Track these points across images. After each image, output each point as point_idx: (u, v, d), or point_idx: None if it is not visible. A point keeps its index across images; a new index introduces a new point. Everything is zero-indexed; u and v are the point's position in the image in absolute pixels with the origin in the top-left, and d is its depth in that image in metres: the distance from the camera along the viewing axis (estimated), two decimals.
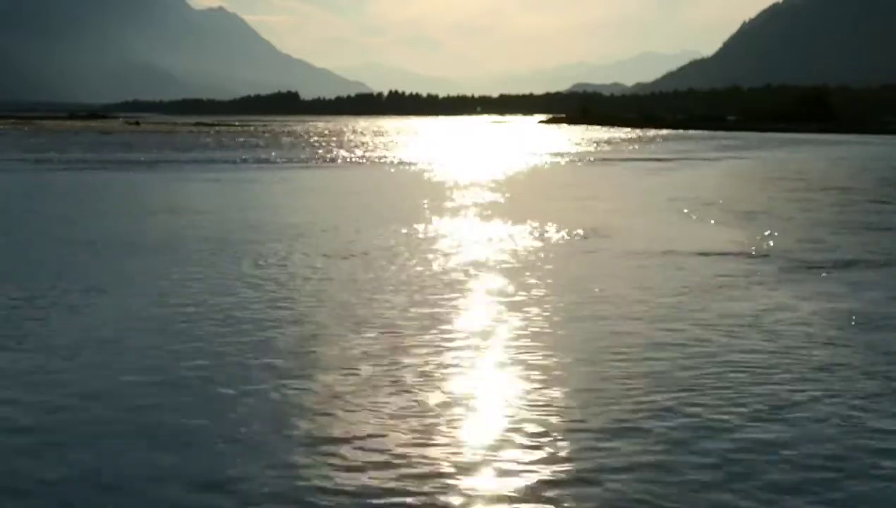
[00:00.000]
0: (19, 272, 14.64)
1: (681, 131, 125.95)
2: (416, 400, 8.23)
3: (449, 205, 26.54)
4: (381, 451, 7.01)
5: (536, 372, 9.12)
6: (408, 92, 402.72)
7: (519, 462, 6.83)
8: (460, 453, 7.01)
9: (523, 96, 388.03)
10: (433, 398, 8.32)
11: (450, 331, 10.81)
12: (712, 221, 22.53)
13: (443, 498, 6.24)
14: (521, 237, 19.27)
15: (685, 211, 24.83)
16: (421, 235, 19.51)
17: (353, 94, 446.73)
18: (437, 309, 11.98)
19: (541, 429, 7.50)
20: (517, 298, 12.75)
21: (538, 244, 18.24)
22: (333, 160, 53.50)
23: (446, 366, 9.34)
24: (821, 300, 12.74)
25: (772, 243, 18.35)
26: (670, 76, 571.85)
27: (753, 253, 17.06)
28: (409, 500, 6.21)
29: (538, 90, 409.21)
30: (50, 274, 14.48)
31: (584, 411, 7.95)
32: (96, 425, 7.59)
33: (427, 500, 6.21)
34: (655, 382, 8.78)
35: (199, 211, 24.30)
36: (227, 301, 12.43)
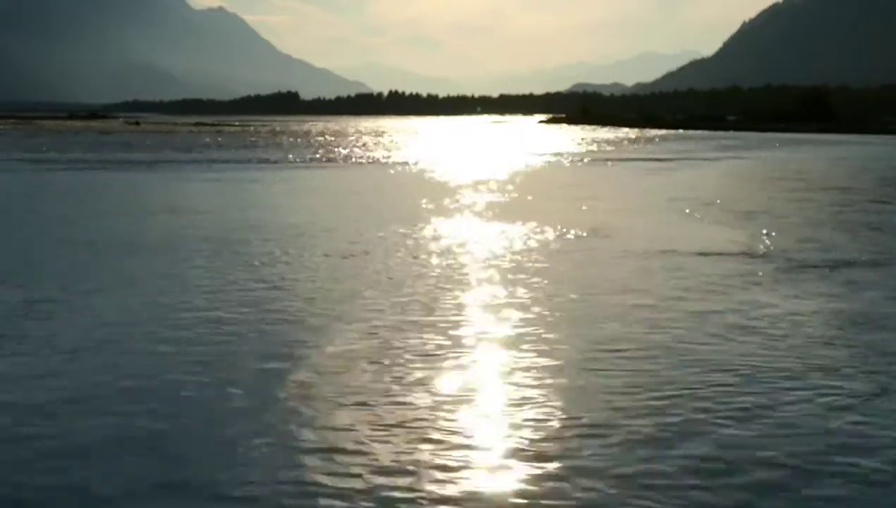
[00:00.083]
0: (19, 272, 14.65)
1: (681, 131, 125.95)
2: (415, 401, 8.24)
3: (449, 205, 26.55)
4: (381, 453, 7.01)
5: (535, 372, 9.13)
6: (408, 92, 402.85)
7: (514, 462, 6.84)
8: (458, 453, 7.01)
9: (523, 96, 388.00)
10: (433, 399, 8.32)
11: (450, 331, 10.81)
12: (712, 221, 22.54)
13: (439, 499, 6.24)
14: (521, 237, 19.28)
15: (685, 211, 24.84)
16: (421, 235, 19.52)
17: (353, 94, 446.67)
18: (436, 309, 11.99)
19: (539, 429, 7.50)
20: (517, 298, 12.75)
21: (538, 244, 18.25)
22: (333, 160, 53.51)
23: (446, 366, 9.35)
24: (820, 300, 12.75)
25: (771, 243, 18.36)
26: (670, 76, 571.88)
27: (753, 253, 17.07)
28: (405, 503, 6.21)
29: (538, 90, 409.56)
30: (50, 273, 14.49)
31: (582, 410, 7.95)
32: (92, 430, 7.53)
33: (425, 502, 6.22)
34: (654, 382, 8.79)
35: (199, 211, 24.31)
36: (228, 301, 12.44)
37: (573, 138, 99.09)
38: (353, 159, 54.59)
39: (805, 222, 22.38)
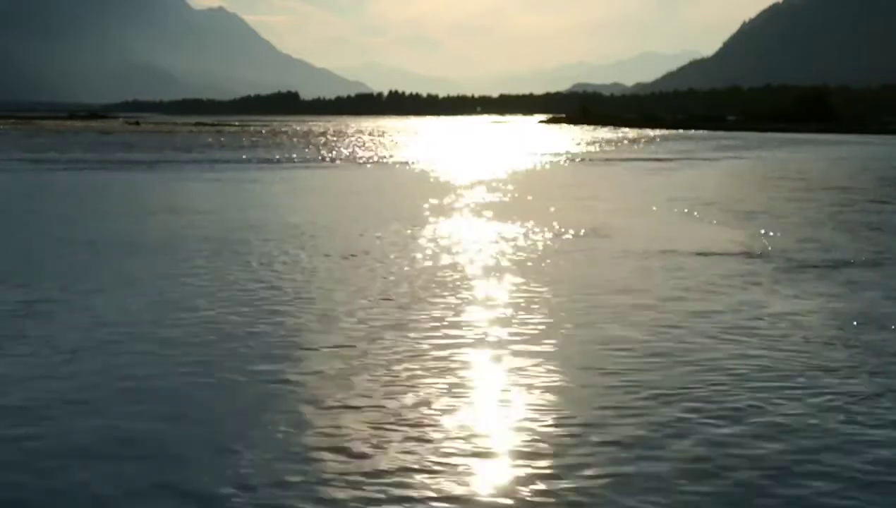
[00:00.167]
0: (19, 272, 14.64)
1: (681, 131, 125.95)
2: (414, 401, 8.24)
3: (449, 204, 26.55)
4: (379, 454, 7.02)
5: (534, 372, 9.13)
6: (408, 92, 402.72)
7: (512, 463, 6.85)
8: (457, 454, 7.02)
9: (523, 96, 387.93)
10: (432, 398, 8.33)
11: (449, 330, 10.82)
12: (712, 221, 22.54)
13: (439, 499, 6.25)
14: (521, 237, 19.28)
15: (685, 210, 24.85)
16: (421, 235, 19.52)
17: (353, 94, 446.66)
18: (436, 309, 11.99)
19: (538, 429, 7.51)
20: (516, 297, 12.76)
21: (538, 243, 18.25)
22: (333, 160, 53.51)
23: (445, 366, 9.35)
24: (820, 300, 12.76)
25: (771, 243, 18.36)
26: (670, 76, 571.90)
27: (753, 253, 17.07)
28: (404, 503, 6.22)
29: (538, 90, 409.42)
30: (50, 273, 14.49)
31: (581, 409, 7.96)
32: (92, 430, 7.52)
33: (423, 503, 6.23)
34: (653, 382, 8.79)
35: (199, 211, 24.31)
36: (228, 302, 12.45)
37: (573, 138, 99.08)
38: (354, 159, 54.59)
39: (805, 222, 22.38)
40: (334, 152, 63.22)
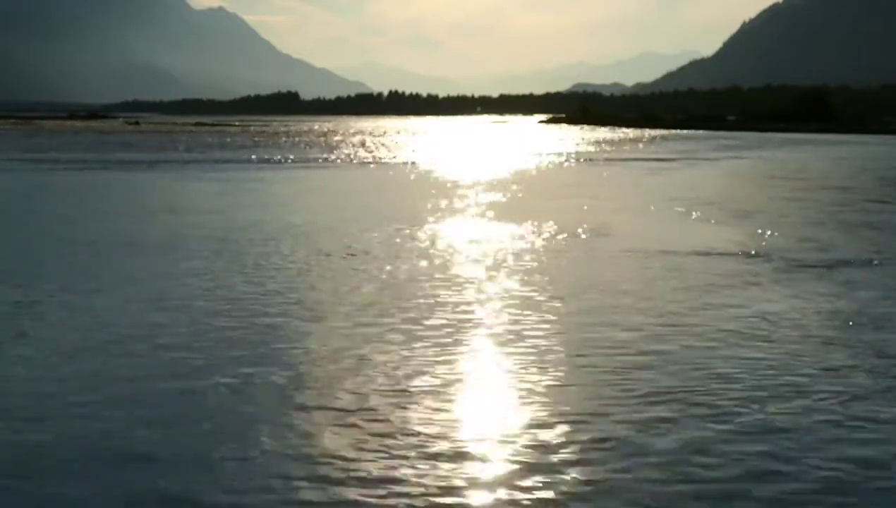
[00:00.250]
0: (19, 272, 14.65)
1: (681, 131, 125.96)
2: (413, 402, 8.26)
3: (449, 204, 26.57)
4: (378, 459, 7.03)
5: (533, 372, 9.15)
6: (408, 92, 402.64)
7: (508, 459, 6.86)
8: (454, 452, 7.03)
9: (523, 96, 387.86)
10: (434, 398, 8.34)
11: (449, 330, 10.83)
12: (712, 221, 22.56)
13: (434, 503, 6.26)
14: (521, 236, 19.29)
15: (685, 210, 24.86)
16: (421, 235, 19.54)
17: (353, 94, 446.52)
18: (436, 309, 12.00)
19: (535, 428, 7.53)
20: (516, 297, 12.77)
21: (538, 243, 18.26)
22: (334, 160, 53.53)
23: (444, 365, 9.36)
24: (819, 299, 12.77)
25: (771, 243, 18.37)
26: (670, 76, 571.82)
27: (753, 252, 17.09)
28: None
29: (538, 90, 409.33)
30: (50, 273, 14.51)
31: (575, 407, 7.97)
32: (91, 434, 7.48)
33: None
34: (652, 381, 8.81)
35: (199, 210, 24.33)
36: (228, 302, 12.46)
37: (573, 138, 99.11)
38: (354, 159, 54.61)
39: (805, 222, 22.40)
40: (334, 152, 63.24)
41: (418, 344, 10.17)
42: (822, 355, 9.84)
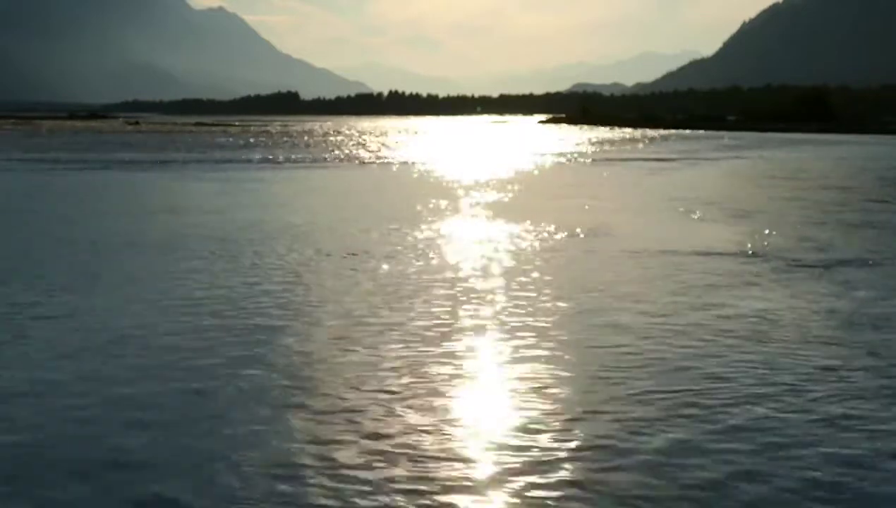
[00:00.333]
0: (20, 272, 14.66)
1: (681, 131, 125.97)
2: (413, 400, 8.27)
3: (449, 204, 26.58)
4: (378, 456, 7.04)
5: (532, 371, 9.16)
6: (408, 92, 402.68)
7: (507, 459, 6.88)
8: (456, 452, 7.04)
9: (523, 96, 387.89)
10: (430, 398, 8.36)
11: (448, 330, 10.84)
12: (712, 221, 22.57)
13: (433, 502, 6.28)
14: (521, 236, 19.30)
15: (685, 210, 24.87)
16: (421, 235, 19.55)
17: (353, 94, 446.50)
18: (435, 309, 12.01)
19: (533, 428, 7.54)
20: (515, 296, 12.78)
21: (538, 243, 18.27)
22: (334, 160, 53.54)
23: (444, 364, 9.37)
24: (818, 299, 12.78)
25: (771, 242, 18.38)
26: (670, 76, 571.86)
27: (752, 252, 17.10)
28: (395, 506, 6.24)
29: (538, 90, 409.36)
30: (50, 273, 14.52)
31: (575, 408, 7.98)
32: (89, 438, 7.46)
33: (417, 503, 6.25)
34: (649, 381, 8.82)
35: (199, 210, 24.33)
36: (228, 302, 12.47)
37: (573, 138, 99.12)
38: (354, 159, 54.61)
39: (804, 222, 22.41)
40: (334, 152, 63.24)
41: (417, 345, 10.17)
42: (821, 355, 9.85)
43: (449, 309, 12.05)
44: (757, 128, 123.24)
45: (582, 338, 10.50)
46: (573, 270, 15.22)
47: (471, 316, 11.63)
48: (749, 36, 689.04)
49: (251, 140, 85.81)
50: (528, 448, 7.09)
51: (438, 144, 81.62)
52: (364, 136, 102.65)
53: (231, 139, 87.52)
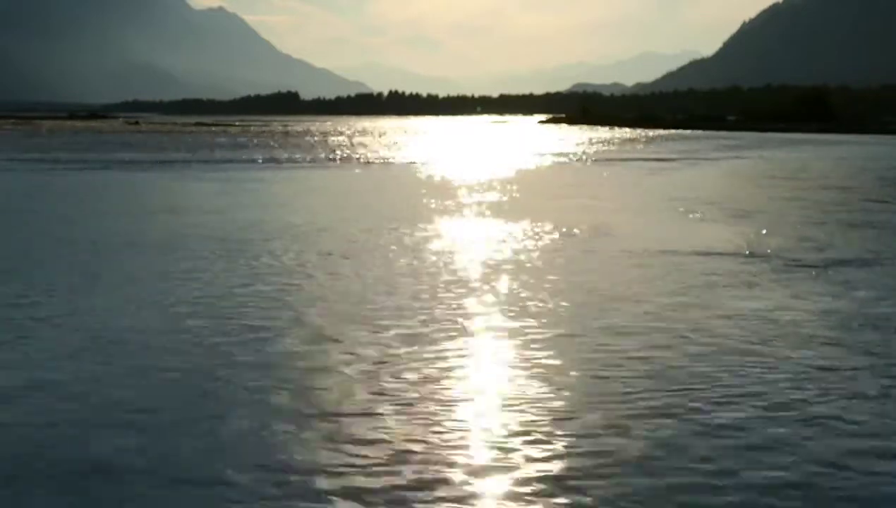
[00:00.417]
0: (20, 272, 14.66)
1: (681, 131, 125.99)
2: (412, 400, 8.27)
3: (449, 204, 26.59)
4: (376, 455, 7.05)
5: (531, 370, 9.17)
6: (408, 92, 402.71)
7: (506, 458, 6.88)
8: (452, 452, 7.05)
9: (523, 96, 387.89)
10: (429, 398, 8.36)
11: (448, 329, 10.85)
12: (712, 221, 22.57)
13: (434, 498, 6.28)
14: (521, 236, 19.31)
15: (685, 210, 24.88)
16: (421, 234, 19.55)
17: (353, 94, 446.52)
18: (435, 308, 12.02)
19: (532, 427, 7.54)
20: (515, 296, 12.79)
21: (538, 243, 18.28)
22: (334, 160, 53.54)
23: (443, 365, 9.38)
24: (817, 299, 12.79)
25: (770, 242, 18.39)
26: (670, 76, 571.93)
27: (752, 252, 17.11)
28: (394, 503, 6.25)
29: (538, 90, 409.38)
30: (51, 273, 14.52)
31: (574, 407, 7.99)
32: (87, 440, 7.44)
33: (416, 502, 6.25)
34: (647, 381, 8.82)
35: (199, 210, 24.34)
36: (229, 303, 12.48)
37: (573, 138, 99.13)
38: (354, 159, 54.61)
39: (804, 221, 22.41)
40: (334, 152, 63.24)
41: (417, 343, 10.17)
42: (820, 355, 9.85)
43: (449, 308, 12.05)
44: (757, 128, 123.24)
45: (580, 338, 10.50)
46: (573, 270, 15.22)
47: (470, 316, 11.63)
48: (749, 36, 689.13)
49: (251, 140, 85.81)
50: (523, 449, 7.09)
51: (438, 144, 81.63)
52: (364, 136, 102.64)
53: (231, 139, 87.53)
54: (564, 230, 20.23)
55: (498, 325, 11.15)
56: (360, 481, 6.47)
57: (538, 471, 6.66)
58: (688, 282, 13.94)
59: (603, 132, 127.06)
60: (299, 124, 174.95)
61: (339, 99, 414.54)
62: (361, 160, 53.72)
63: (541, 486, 6.42)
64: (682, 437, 7.33)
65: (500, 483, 6.48)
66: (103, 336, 10.49)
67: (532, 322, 11.29)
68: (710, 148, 72.88)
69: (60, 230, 20.27)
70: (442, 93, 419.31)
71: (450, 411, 7.97)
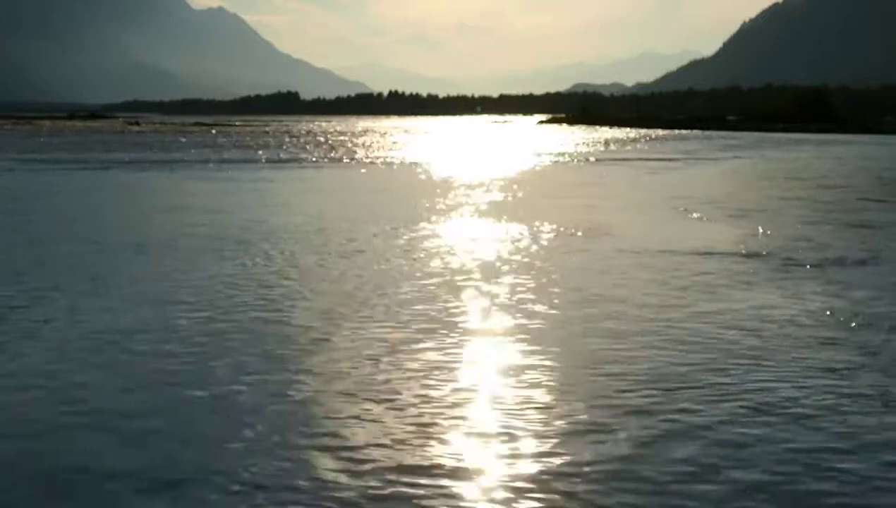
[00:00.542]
0: (20, 272, 14.68)
1: (681, 131, 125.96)
2: (412, 399, 8.29)
3: (450, 204, 26.61)
4: (374, 455, 7.07)
5: (531, 369, 9.18)
6: (408, 92, 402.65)
7: (497, 458, 6.90)
8: (449, 451, 7.07)
9: (523, 96, 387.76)
10: (428, 397, 8.37)
11: (448, 328, 10.86)
12: (711, 220, 22.59)
13: (429, 498, 6.30)
14: (522, 236, 19.33)
15: (684, 210, 24.90)
16: (422, 234, 19.57)
17: (353, 94, 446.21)
18: (435, 308, 12.04)
19: (532, 426, 7.56)
20: (514, 295, 12.80)
21: (538, 243, 18.30)
22: (335, 160, 53.55)
23: (443, 364, 9.40)
24: (816, 299, 12.80)
25: (770, 242, 18.41)
26: (670, 76, 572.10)
27: (752, 252, 17.12)
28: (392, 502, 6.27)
29: (538, 90, 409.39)
30: (51, 273, 14.53)
31: (574, 407, 8.01)
32: (87, 442, 7.45)
33: (416, 500, 6.28)
34: (646, 381, 8.83)
35: (200, 210, 24.35)
36: (230, 303, 12.49)
37: (573, 138, 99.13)
38: (354, 159, 54.63)
39: (803, 221, 22.43)
40: (335, 152, 63.25)
41: (416, 343, 10.19)
42: (819, 354, 9.87)
43: (449, 308, 12.06)
44: (757, 128, 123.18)
45: (579, 337, 10.52)
46: (572, 269, 15.24)
47: (470, 316, 11.65)
48: (749, 36, 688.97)
49: (251, 140, 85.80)
50: (520, 447, 7.11)
51: (439, 144, 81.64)
52: (364, 136, 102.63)
53: (231, 139, 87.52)
54: (564, 229, 20.25)
55: (496, 325, 11.16)
56: (354, 484, 6.49)
57: (530, 470, 6.68)
58: (688, 282, 13.96)
59: (603, 132, 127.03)
60: (299, 124, 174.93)
61: (339, 99, 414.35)
62: (362, 160, 53.73)
63: (530, 485, 6.44)
64: (681, 437, 7.34)
65: (489, 483, 6.48)
66: (103, 336, 10.50)
67: (530, 321, 11.30)
68: (710, 148, 72.89)
69: (61, 230, 20.28)
70: (442, 93, 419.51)
71: (443, 411, 7.98)
